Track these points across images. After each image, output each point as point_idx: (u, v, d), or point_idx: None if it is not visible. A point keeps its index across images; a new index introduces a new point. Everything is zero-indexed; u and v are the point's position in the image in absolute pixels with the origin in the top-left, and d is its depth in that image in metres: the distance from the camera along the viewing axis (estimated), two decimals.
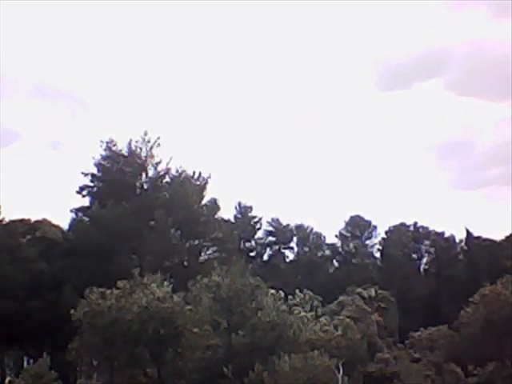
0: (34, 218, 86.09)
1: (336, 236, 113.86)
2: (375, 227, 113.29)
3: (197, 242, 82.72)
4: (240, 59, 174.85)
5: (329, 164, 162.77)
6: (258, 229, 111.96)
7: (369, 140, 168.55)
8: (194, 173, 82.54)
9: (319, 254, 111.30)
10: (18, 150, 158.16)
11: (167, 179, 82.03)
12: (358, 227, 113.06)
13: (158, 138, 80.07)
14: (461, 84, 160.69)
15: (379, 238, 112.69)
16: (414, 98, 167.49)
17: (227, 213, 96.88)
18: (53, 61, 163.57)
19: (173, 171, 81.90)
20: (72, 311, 51.96)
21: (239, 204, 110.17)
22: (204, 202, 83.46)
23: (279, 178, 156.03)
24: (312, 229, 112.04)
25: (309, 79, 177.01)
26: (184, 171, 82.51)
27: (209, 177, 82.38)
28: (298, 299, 71.62)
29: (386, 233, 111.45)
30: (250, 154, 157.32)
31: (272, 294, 58.57)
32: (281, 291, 60.76)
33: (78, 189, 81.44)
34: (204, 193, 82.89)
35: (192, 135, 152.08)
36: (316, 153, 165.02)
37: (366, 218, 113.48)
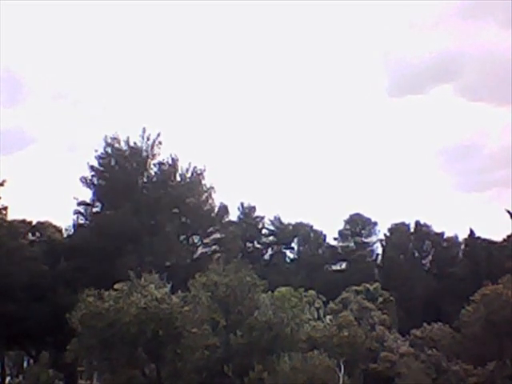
0: (38, 220, 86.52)
1: (336, 238, 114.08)
2: (375, 224, 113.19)
3: (198, 241, 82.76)
4: (245, 61, 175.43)
5: (334, 165, 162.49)
6: (262, 228, 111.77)
7: (376, 142, 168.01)
8: (188, 168, 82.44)
9: (320, 252, 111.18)
10: (34, 153, 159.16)
11: (169, 178, 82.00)
12: (357, 225, 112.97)
13: (159, 135, 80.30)
14: (472, 89, 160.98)
15: (380, 236, 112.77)
16: (425, 103, 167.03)
17: (230, 214, 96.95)
18: (71, 65, 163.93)
19: (171, 169, 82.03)
20: (67, 315, 51.82)
21: (242, 205, 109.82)
22: (204, 198, 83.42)
23: (281, 176, 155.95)
24: (312, 227, 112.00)
25: (317, 81, 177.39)
26: (191, 168, 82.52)
27: (204, 169, 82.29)
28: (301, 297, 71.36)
29: (387, 231, 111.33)
30: (251, 154, 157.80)
31: (278, 292, 58.37)
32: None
33: (81, 179, 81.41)
34: (206, 192, 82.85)
35: (192, 135, 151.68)
36: (321, 153, 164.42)
37: (366, 215, 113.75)
